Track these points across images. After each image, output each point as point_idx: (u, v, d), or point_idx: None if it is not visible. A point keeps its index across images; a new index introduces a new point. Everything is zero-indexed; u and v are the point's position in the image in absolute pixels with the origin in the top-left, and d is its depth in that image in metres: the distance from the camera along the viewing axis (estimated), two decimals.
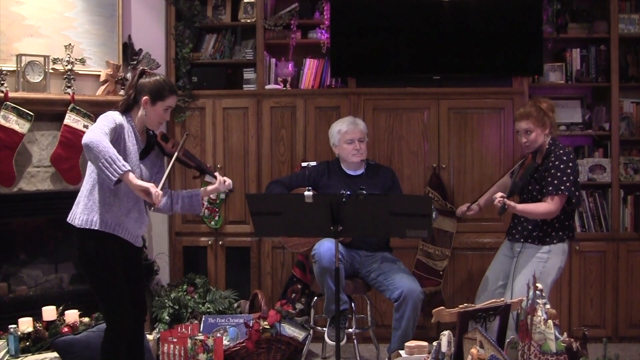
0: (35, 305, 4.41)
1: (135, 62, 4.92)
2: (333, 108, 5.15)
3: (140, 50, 4.99)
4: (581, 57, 5.17)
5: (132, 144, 3.40)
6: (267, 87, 5.24)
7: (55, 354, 4.10)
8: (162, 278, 5.17)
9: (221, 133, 5.22)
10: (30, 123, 4.25)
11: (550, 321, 2.70)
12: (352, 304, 4.40)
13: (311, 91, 5.21)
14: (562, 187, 3.87)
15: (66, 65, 4.49)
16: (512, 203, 3.87)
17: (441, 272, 5.03)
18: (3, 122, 4.16)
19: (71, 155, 4.50)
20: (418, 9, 5.01)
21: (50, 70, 4.43)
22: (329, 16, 5.08)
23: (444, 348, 2.80)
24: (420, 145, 5.10)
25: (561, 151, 3.97)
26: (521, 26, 4.96)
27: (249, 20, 5.24)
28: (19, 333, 4.14)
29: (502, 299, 4.00)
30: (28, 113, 4.23)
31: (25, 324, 4.21)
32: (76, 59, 4.52)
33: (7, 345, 4.09)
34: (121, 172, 3.09)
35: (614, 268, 5.05)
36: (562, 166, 3.91)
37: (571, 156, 3.97)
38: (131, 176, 3.14)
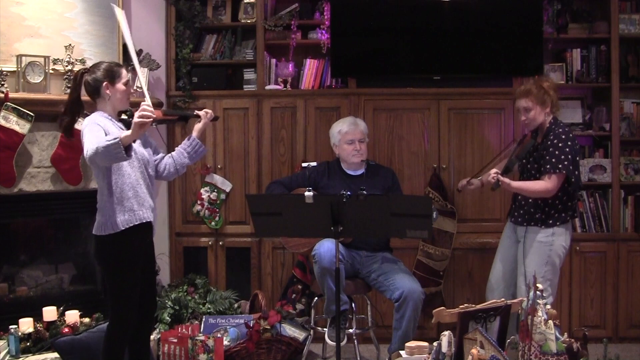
0: (36, 306, 4.41)
1: None
2: (333, 108, 5.15)
3: (141, 50, 4.99)
4: (581, 58, 5.17)
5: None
6: (268, 87, 5.24)
7: (55, 355, 4.10)
8: (163, 278, 5.17)
9: (221, 133, 5.22)
10: (30, 123, 4.24)
11: (550, 321, 2.70)
12: (353, 305, 4.39)
13: (311, 91, 5.21)
14: (560, 166, 3.86)
15: (66, 66, 4.49)
16: (506, 180, 3.87)
17: (441, 273, 5.03)
18: (3, 123, 4.16)
19: (71, 156, 4.49)
20: (418, 10, 5.01)
21: (51, 71, 4.43)
22: (329, 16, 5.08)
23: (444, 348, 2.80)
24: (420, 146, 5.10)
25: (560, 130, 3.96)
26: (521, 26, 4.97)
27: (249, 21, 5.24)
28: (20, 333, 4.14)
29: (513, 287, 4.09)
30: (28, 114, 4.23)
31: (26, 325, 4.21)
32: (76, 60, 4.52)
33: (8, 345, 4.09)
34: (119, 143, 3.11)
35: (614, 268, 5.05)
36: (560, 145, 3.90)
37: (570, 135, 3.95)
38: (123, 135, 3.16)
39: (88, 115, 3.52)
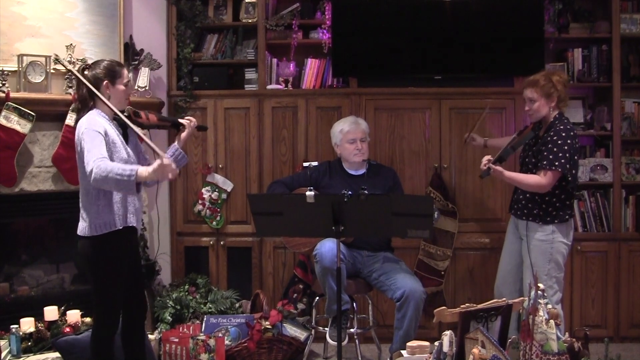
0: (37, 306, 4.41)
1: (136, 62, 4.93)
2: (334, 108, 5.15)
3: (142, 50, 4.99)
4: (583, 57, 5.17)
5: (116, 135, 3.47)
6: (269, 87, 5.24)
7: (56, 354, 4.11)
8: (164, 278, 5.17)
9: (222, 133, 5.22)
10: (31, 123, 4.24)
11: (552, 321, 2.70)
12: (354, 304, 4.39)
13: (312, 91, 5.21)
14: (557, 163, 3.86)
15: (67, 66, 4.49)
16: (499, 168, 3.88)
17: (443, 272, 5.03)
18: (4, 123, 4.16)
19: (73, 155, 4.43)
20: (419, 9, 5.01)
21: (52, 71, 4.43)
22: (330, 16, 5.08)
23: (445, 348, 2.80)
24: (421, 145, 5.10)
25: (562, 127, 3.95)
26: (523, 26, 4.96)
27: (250, 21, 5.24)
28: (21, 333, 4.14)
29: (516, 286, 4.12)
30: (29, 113, 4.23)
31: (27, 324, 4.21)
32: (77, 59, 4.52)
33: (9, 345, 4.09)
34: (133, 181, 3.14)
35: (615, 268, 5.05)
36: (559, 142, 3.89)
37: (572, 133, 3.94)
38: (141, 170, 3.17)
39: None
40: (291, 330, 4.66)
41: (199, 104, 5.21)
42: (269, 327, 4.52)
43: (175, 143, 3.78)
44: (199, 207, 5.21)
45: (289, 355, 4.60)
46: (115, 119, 3.56)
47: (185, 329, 4.58)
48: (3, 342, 4.10)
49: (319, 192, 4.29)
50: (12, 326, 4.12)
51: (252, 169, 5.22)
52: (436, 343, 2.86)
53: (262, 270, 5.23)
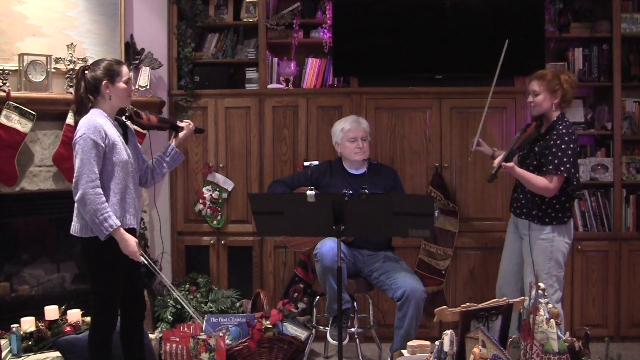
0: (38, 305, 4.41)
1: (137, 62, 4.93)
2: (335, 107, 5.15)
3: (143, 49, 4.99)
4: (583, 57, 5.17)
5: (117, 136, 3.48)
6: (270, 86, 5.24)
7: (57, 354, 4.11)
8: (165, 277, 5.17)
9: (223, 132, 5.22)
10: (32, 122, 4.24)
11: (552, 320, 2.70)
12: (355, 303, 4.40)
13: (313, 90, 5.21)
14: (562, 168, 3.88)
15: (68, 65, 4.49)
16: (510, 164, 3.88)
17: (443, 272, 5.03)
18: (5, 122, 4.16)
19: (73, 155, 4.49)
20: (420, 9, 5.01)
21: (53, 70, 4.43)
22: (331, 15, 5.08)
23: (446, 347, 2.80)
24: (422, 145, 5.10)
25: (564, 130, 3.96)
26: (523, 25, 4.96)
27: (251, 20, 5.24)
28: (22, 332, 4.14)
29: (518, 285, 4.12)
30: (30, 112, 4.23)
31: (28, 324, 4.21)
32: (78, 59, 4.52)
33: (10, 344, 4.09)
34: (108, 232, 3.33)
35: (616, 267, 5.05)
36: (563, 146, 3.91)
37: (573, 137, 3.96)
38: (118, 229, 3.37)
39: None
40: (292, 329, 4.66)
41: (199, 103, 5.21)
42: (270, 326, 4.52)
43: (172, 143, 3.81)
44: (200, 206, 5.21)
45: (290, 355, 4.60)
46: (116, 119, 3.57)
47: (185, 328, 4.58)
48: (4, 342, 4.10)
49: (320, 191, 4.29)
50: (12, 325, 4.12)
51: (253, 168, 5.22)
52: (437, 342, 2.86)
53: (262, 269, 5.23)
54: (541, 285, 2.81)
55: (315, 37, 5.25)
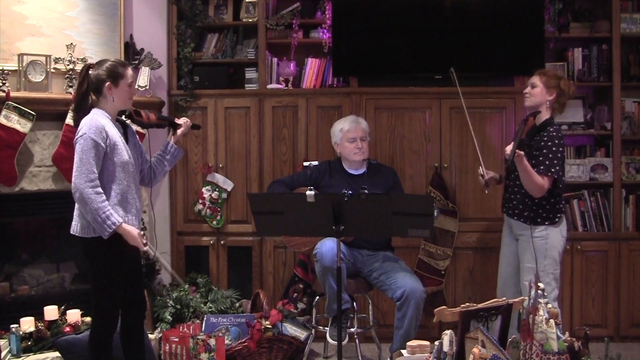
0: (37, 305, 4.41)
1: (137, 62, 4.93)
2: (335, 107, 5.15)
3: (142, 49, 4.99)
4: (583, 57, 5.17)
5: (118, 136, 3.48)
6: (269, 86, 5.24)
7: (57, 354, 4.10)
8: (164, 278, 5.17)
9: (223, 132, 5.22)
10: (32, 122, 4.24)
11: (552, 320, 2.70)
12: (354, 304, 4.39)
13: (313, 91, 5.21)
14: (552, 170, 3.94)
15: (68, 65, 4.49)
16: (521, 153, 3.88)
17: (443, 272, 5.03)
18: (5, 122, 4.16)
19: (73, 155, 4.44)
20: (420, 9, 5.01)
21: (52, 70, 4.43)
22: (330, 15, 5.08)
23: (445, 347, 2.80)
24: (422, 145, 5.10)
25: (554, 133, 4.02)
26: (523, 25, 4.96)
27: (250, 20, 5.24)
28: (21, 333, 4.14)
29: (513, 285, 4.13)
30: (30, 113, 4.23)
31: (27, 324, 4.21)
32: (78, 59, 4.52)
33: (9, 344, 4.09)
34: (111, 229, 3.35)
35: (615, 267, 5.05)
36: (553, 149, 3.97)
37: (562, 141, 4.03)
38: (121, 224, 3.38)
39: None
40: (291, 329, 4.66)
41: (199, 103, 5.21)
42: (269, 326, 4.52)
43: (171, 141, 3.82)
44: (199, 206, 5.21)
45: (289, 355, 4.60)
46: (117, 119, 3.57)
47: (185, 329, 4.58)
48: (3, 342, 4.10)
49: (319, 191, 4.29)
50: (12, 325, 4.11)
51: (253, 168, 5.22)
52: (436, 342, 2.86)
53: (262, 269, 5.23)
54: (541, 285, 2.81)
55: (314, 37, 5.25)
